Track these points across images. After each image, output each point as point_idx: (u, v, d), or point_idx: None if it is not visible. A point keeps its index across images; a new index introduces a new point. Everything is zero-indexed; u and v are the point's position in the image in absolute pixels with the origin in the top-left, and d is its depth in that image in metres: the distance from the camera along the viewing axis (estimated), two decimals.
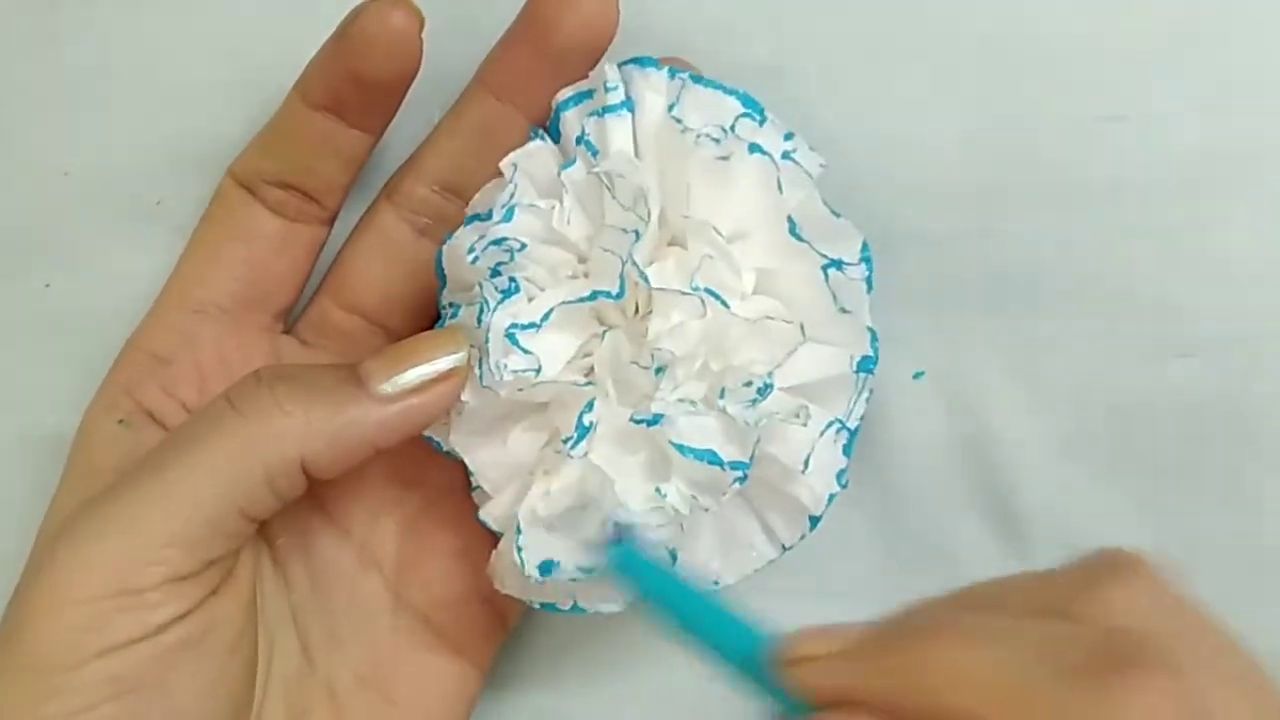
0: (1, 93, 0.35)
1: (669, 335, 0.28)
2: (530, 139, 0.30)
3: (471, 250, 0.29)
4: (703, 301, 0.28)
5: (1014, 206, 0.33)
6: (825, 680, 0.23)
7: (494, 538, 0.31)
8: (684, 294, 0.28)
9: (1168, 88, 0.32)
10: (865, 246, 0.30)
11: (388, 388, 0.28)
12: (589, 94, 0.30)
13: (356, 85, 0.30)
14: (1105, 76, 0.32)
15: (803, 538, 0.31)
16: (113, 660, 0.26)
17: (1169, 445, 0.33)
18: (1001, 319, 0.33)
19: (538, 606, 0.31)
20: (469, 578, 0.32)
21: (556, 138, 0.30)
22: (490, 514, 0.30)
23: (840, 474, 0.30)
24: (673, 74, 0.30)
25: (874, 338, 0.30)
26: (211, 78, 0.31)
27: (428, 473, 0.32)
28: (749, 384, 0.28)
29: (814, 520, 0.30)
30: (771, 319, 0.29)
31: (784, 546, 0.31)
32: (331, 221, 0.33)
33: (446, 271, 0.30)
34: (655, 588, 0.27)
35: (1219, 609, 0.33)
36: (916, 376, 0.33)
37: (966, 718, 0.21)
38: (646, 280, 0.28)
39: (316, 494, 0.31)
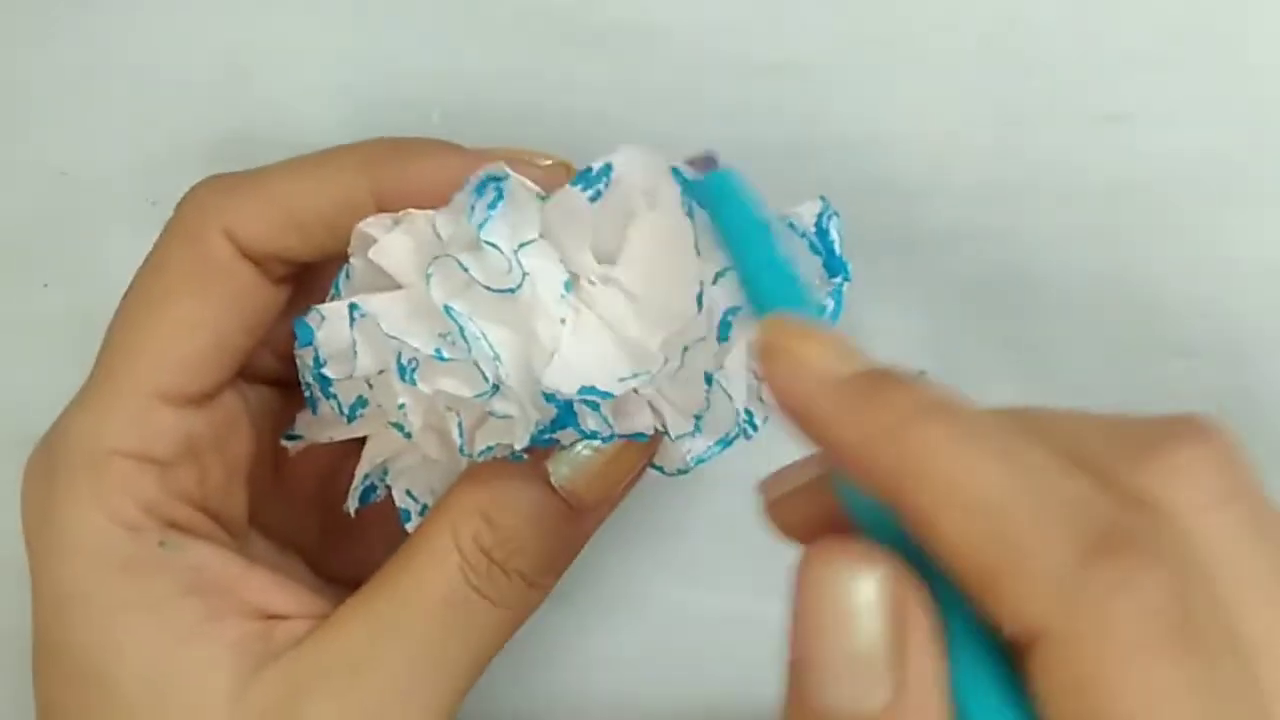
0: (0, 93, 0.35)
1: None
2: None
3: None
4: None
5: (1014, 206, 0.33)
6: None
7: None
8: None
9: (1168, 88, 0.32)
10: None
11: None
12: None
13: None
14: (1105, 76, 0.32)
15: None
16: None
17: None
18: (1001, 319, 0.33)
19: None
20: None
21: None
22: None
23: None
24: None
25: None
26: (211, 78, 0.31)
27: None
28: None
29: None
30: None
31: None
32: None
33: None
34: (734, 228, 0.24)
35: None
36: None
37: (932, 530, 0.18)
38: None
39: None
